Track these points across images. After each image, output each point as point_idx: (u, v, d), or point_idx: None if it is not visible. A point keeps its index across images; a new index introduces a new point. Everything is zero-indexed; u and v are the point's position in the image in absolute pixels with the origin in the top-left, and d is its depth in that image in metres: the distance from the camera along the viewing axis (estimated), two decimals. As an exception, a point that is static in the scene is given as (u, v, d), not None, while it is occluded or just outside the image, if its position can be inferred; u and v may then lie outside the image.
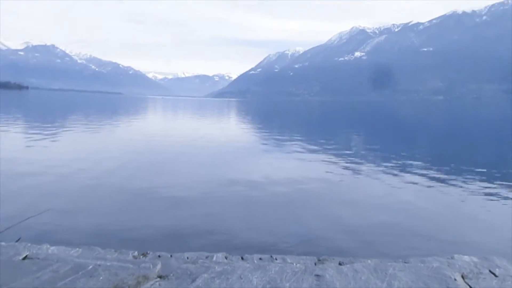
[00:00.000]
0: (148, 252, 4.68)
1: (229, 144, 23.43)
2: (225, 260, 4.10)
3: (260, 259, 4.31)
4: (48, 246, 4.16)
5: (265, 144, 24.23)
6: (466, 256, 4.04)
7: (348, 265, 3.53)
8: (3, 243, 4.11)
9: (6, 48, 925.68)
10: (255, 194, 11.38)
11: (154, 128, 34.83)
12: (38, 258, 3.31)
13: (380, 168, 15.92)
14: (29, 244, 4.10)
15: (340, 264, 3.90)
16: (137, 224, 8.45)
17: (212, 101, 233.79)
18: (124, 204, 9.92)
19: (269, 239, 7.76)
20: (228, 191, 11.55)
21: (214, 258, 4.19)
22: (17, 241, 4.74)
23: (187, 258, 4.23)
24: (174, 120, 48.49)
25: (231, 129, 37.07)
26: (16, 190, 10.71)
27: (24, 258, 3.38)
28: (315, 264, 3.98)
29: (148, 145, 22.03)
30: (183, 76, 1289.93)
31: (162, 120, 48.15)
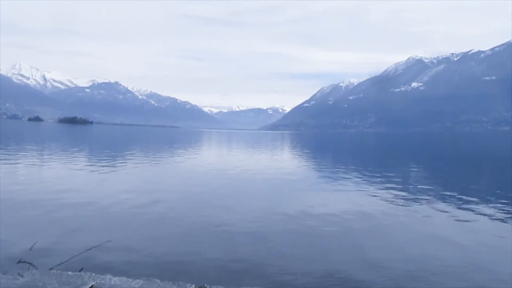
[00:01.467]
0: (206, 285, 4.67)
1: (283, 176, 23.33)
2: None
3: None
4: (111, 276, 4.27)
5: (319, 177, 23.92)
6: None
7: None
8: (69, 273, 4.27)
9: (74, 86, 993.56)
10: (311, 227, 11.16)
11: (210, 161, 35.46)
12: (103, 289, 3.39)
13: (442, 205, 15.16)
14: (93, 274, 4.24)
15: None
16: (194, 256, 8.51)
17: (266, 133, 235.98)
18: (181, 236, 10.05)
19: (329, 279, 7.51)
20: (284, 225, 11.41)
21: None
22: (80, 270, 4.90)
23: (245, 293, 4.16)
24: (229, 153, 49.26)
25: (285, 162, 36.99)
26: (79, 220, 11.17)
27: (90, 288, 3.48)
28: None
29: (205, 177, 22.42)
30: (237, 109, 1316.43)
31: (217, 153, 49.05)
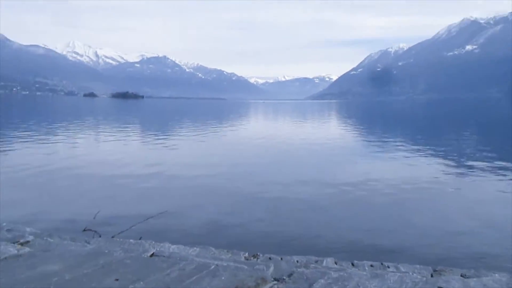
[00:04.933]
0: (258, 254, 4.77)
1: (331, 146, 23.09)
2: (336, 266, 4.02)
3: (372, 266, 4.15)
4: (169, 244, 4.45)
5: (369, 146, 23.47)
6: None
7: (474, 279, 3.23)
8: (131, 241, 4.50)
9: (124, 61, 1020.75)
10: (360, 197, 11.07)
11: (257, 131, 35.66)
12: (164, 256, 3.56)
13: (497, 172, 14.50)
14: (153, 242, 4.43)
15: (463, 276, 3.59)
16: (246, 225, 8.71)
17: (312, 103, 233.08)
18: (234, 207, 10.28)
19: (378, 244, 7.48)
20: (334, 194, 11.38)
21: (324, 263, 4.12)
22: (139, 239, 5.15)
23: (297, 261, 4.22)
24: (276, 123, 49.20)
25: (333, 132, 36.53)
26: (137, 191, 11.67)
27: (152, 255, 3.66)
28: (432, 275, 3.73)
29: (253, 148, 22.63)
30: (283, 79, 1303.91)
31: (264, 124, 49.15)
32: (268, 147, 22.97)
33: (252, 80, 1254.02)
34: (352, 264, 4.24)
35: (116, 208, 9.76)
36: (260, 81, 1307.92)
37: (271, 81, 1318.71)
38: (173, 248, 4.20)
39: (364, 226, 8.64)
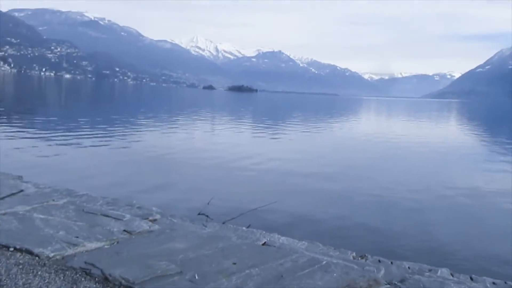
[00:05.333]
0: (366, 255, 4.69)
1: (449, 150, 21.53)
2: (453, 278, 3.80)
3: (494, 283, 3.85)
4: (279, 236, 4.60)
5: (492, 154, 21.40)
6: None
7: None
8: (243, 228, 4.75)
9: (242, 55, 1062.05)
10: (475, 207, 10.23)
11: (368, 129, 34.63)
12: (275, 246, 3.72)
13: None
14: (264, 232, 4.62)
15: None
16: (352, 224, 8.60)
17: (430, 102, 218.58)
18: (338, 203, 10.23)
19: (498, 260, 6.85)
20: (447, 202, 10.66)
21: (439, 273, 3.93)
22: (248, 227, 5.39)
23: (408, 268, 4.08)
24: (387, 122, 47.23)
25: (453, 135, 33.94)
26: (248, 181, 12.16)
27: (264, 244, 3.84)
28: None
29: (364, 146, 22.11)
30: (399, 76, 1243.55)
31: (376, 121, 47.49)
32: (380, 146, 22.21)
33: (366, 76, 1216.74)
34: (471, 279, 3.97)
35: (228, 196, 10.26)
36: (375, 77, 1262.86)
37: (386, 77, 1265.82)
38: (283, 239, 4.34)
39: (482, 237, 7.98)
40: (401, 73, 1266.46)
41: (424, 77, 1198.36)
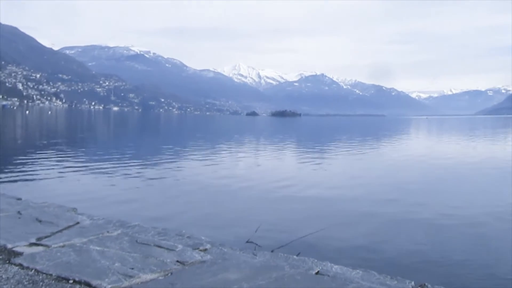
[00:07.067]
0: (426, 284, 4.51)
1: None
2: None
3: None
4: (331, 264, 4.52)
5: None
6: None
7: None
8: (294, 256, 4.70)
9: (284, 81, 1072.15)
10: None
11: (419, 150, 33.64)
12: (329, 275, 3.65)
13: None
14: (315, 260, 4.56)
15: None
16: (407, 250, 8.33)
17: (484, 119, 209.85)
18: (389, 228, 9.97)
19: None
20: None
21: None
22: (297, 255, 5.32)
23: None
24: (440, 141, 45.66)
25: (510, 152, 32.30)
26: (293, 208, 12.08)
27: (317, 273, 3.79)
28: None
29: (414, 168, 21.60)
30: (449, 93, 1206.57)
31: (426, 141, 46.08)
32: (431, 167, 21.55)
33: (413, 95, 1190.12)
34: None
35: (275, 223, 10.22)
36: (423, 95, 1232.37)
37: (435, 95, 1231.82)
38: (336, 268, 4.26)
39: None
40: (451, 90, 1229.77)
41: (477, 92, 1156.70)
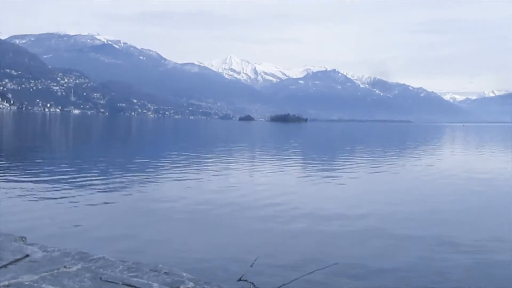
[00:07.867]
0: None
1: None
2: None
3: None
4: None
5: None
6: None
7: None
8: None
9: (286, 77, 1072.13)
10: None
11: (453, 164, 33.85)
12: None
13: None
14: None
15: None
16: (436, 279, 8.49)
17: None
18: (414, 257, 10.08)
19: None
20: None
21: None
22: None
23: None
24: (479, 154, 45.90)
25: None
26: (298, 237, 12.10)
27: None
28: None
29: (444, 185, 21.86)
30: (491, 95, 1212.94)
31: (462, 154, 46.32)
32: (465, 186, 21.84)
33: (447, 97, 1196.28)
34: None
35: (276, 255, 10.21)
36: (459, 97, 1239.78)
37: (474, 97, 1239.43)
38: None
39: None
40: (493, 91, 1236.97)
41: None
